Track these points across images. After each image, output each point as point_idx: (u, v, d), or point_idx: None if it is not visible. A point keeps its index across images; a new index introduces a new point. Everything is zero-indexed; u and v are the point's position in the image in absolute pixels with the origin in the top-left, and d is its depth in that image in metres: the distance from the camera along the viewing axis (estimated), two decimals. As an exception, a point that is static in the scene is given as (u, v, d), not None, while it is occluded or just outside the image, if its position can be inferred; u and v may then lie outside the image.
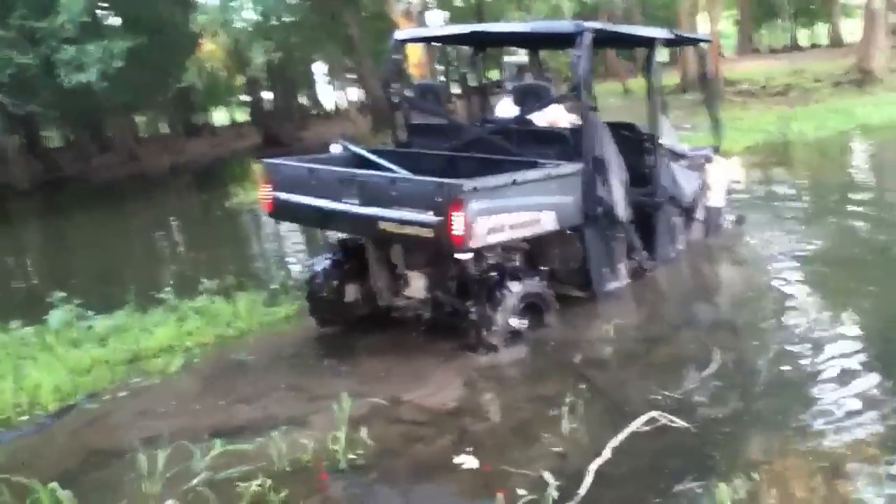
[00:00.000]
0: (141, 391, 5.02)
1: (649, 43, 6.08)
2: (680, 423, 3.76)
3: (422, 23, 22.14)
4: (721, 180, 6.94)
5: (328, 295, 5.61)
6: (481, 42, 7.35)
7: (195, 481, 3.64)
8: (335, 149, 6.22)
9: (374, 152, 5.88)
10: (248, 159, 20.57)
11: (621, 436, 3.66)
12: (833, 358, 4.49)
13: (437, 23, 29.18)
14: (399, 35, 6.74)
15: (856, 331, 4.89)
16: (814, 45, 46.08)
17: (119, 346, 5.74)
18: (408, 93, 6.50)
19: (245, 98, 35.99)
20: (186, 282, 7.56)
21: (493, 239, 4.62)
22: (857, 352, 4.55)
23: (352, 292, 5.63)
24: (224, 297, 6.72)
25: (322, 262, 5.69)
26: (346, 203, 4.91)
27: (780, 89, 20.60)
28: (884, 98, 17.05)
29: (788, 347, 4.73)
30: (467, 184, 4.40)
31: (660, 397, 4.10)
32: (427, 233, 4.46)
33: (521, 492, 3.22)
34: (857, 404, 3.91)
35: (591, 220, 5.32)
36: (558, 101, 5.71)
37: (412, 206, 4.52)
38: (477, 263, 4.96)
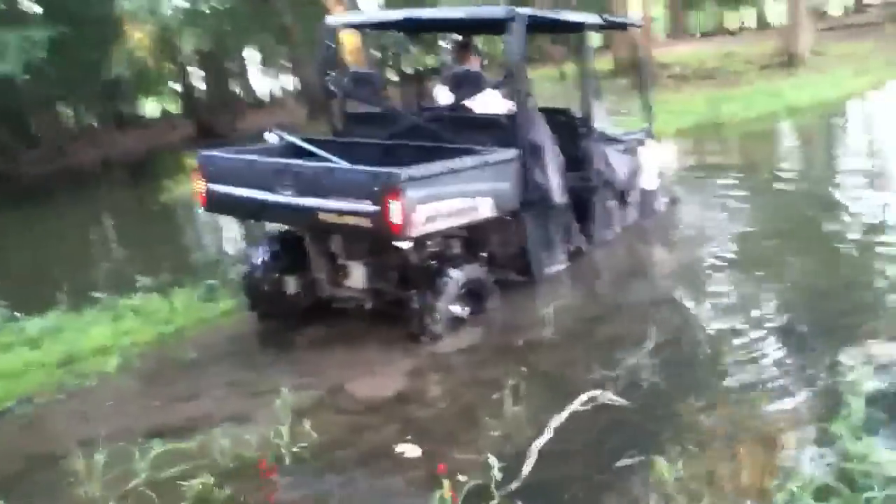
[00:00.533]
0: (77, 393, 4.88)
1: (581, 28, 6.18)
2: (619, 400, 3.86)
3: (355, 7, 21.96)
4: (654, 163, 7.09)
5: (268, 288, 5.52)
6: (415, 28, 7.33)
7: (136, 482, 3.57)
8: (270, 138, 6.07)
9: (309, 141, 5.78)
10: (182, 152, 20.13)
11: (563, 415, 3.73)
12: (765, 331, 4.66)
13: (371, 8, 29.03)
14: (330, 21, 6.66)
15: (786, 303, 5.06)
16: (742, 29, 47.31)
17: (53, 347, 5.58)
18: (344, 81, 6.41)
19: (177, 88, 35.10)
20: (122, 280, 7.36)
21: (432, 227, 4.60)
22: (788, 324, 4.72)
23: (292, 285, 5.53)
24: (161, 294, 6.57)
25: (260, 255, 5.57)
26: (282, 194, 4.83)
27: (710, 72, 21.03)
28: (808, 79, 17.57)
29: (722, 322, 4.89)
30: (404, 172, 4.37)
31: (598, 376, 4.18)
32: (365, 222, 4.43)
33: (463, 478, 3.24)
34: (789, 375, 4.08)
35: (529, 206, 5.38)
36: (494, 87, 5.73)
37: (349, 195, 4.48)
38: (417, 252, 4.98)
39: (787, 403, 3.77)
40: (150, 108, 46.21)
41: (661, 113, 8.22)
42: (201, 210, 5.83)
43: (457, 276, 4.93)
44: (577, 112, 6.25)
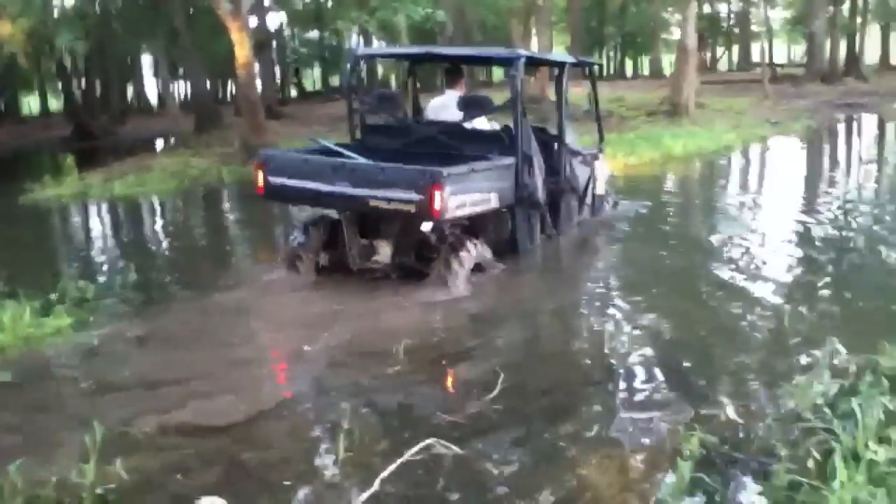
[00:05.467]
0: None
1: (562, 65, 7.73)
2: (455, 449, 3.67)
3: (258, 21, 21.45)
4: (603, 174, 8.67)
5: (306, 261, 6.69)
6: (432, 60, 9.05)
7: None
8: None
9: (341, 146, 6.98)
10: (55, 152, 18.98)
11: (392, 467, 3.50)
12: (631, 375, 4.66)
13: (276, 24, 29.01)
14: (359, 51, 8.58)
15: (655, 351, 5.08)
16: (638, 75, 49.33)
17: None
18: (368, 99, 7.85)
19: (58, 86, 33.28)
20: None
21: (459, 213, 5.91)
22: (651, 365, 4.77)
23: (325, 258, 6.80)
24: (-13, 306, 5.96)
25: (301, 235, 6.77)
26: (337, 185, 5.99)
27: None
28: (688, 130, 18.33)
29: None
30: (445, 170, 5.62)
31: (441, 423, 4.00)
32: (410, 207, 5.67)
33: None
34: (645, 417, 4.04)
35: (519, 201, 6.70)
36: (497, 110, 7.06)
37: (398, 187, 5.70)
38: (435, 233, 6.43)
39: (622, 460, 3.63)
40: (34, 104, 43.86)
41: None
42: (258, 196, 6.65)
43: (472, 250, 6.28)
44: (552, 130, 7.91)
